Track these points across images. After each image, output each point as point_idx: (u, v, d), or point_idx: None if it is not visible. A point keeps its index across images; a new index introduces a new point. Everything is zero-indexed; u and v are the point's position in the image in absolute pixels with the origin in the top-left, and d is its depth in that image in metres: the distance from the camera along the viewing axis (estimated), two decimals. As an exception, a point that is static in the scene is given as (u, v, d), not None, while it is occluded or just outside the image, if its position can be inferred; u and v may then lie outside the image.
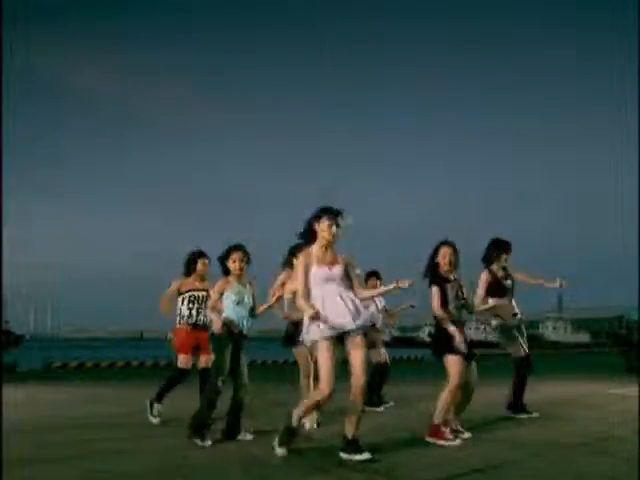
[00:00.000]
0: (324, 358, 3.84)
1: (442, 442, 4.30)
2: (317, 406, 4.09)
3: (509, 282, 5.80)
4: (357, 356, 3.88)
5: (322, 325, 3.84)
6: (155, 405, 5.35)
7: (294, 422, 3.93)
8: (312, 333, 3.89)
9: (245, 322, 4.65)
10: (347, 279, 4.06)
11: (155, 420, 5.27)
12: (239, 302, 4.64)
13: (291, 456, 3.87)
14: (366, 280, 6.73)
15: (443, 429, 4.38)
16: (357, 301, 4.00)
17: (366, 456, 3.74)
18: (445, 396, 4.46)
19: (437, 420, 4.41)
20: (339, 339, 3.91)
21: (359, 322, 3.90)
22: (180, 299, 5.63)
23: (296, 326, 5.50)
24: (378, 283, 6.71)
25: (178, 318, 5.61)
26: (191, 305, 5.59)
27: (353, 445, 3.82)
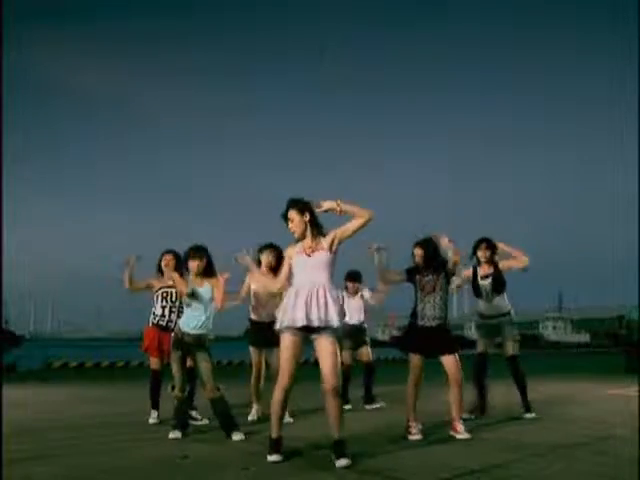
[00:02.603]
0: (282, 349, 3.81)
1: (410, 437, 4.53)
2: (280, 401, 3.84)
3: None
4: (325, 362, 3.73)
5: (286, 315, 3.77)
6: (152, 411, 5.37)
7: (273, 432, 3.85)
8: (278, 322, 3.84)
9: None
10: (332, 265, 3.86)
11: (153, 421, 5.30)
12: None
13: (290, 455, 3.87)
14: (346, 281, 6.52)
15: (409, 424, 4.61)
16: (329, 297, 3.74)
17: (343, 463, 3.55)
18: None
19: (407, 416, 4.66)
20: (307, 336, 3.79)
21: (314, 320, 3.68)
22: (154, 297, 5.52)
23: (256, 326, 5.59)
24: (357, 286, 6.45)
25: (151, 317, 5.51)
26: (164, 303, 5.46)
27: (336, 447, 3.68)
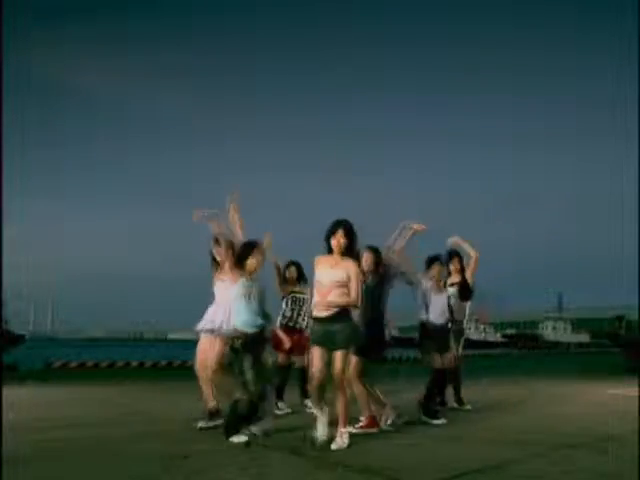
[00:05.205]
0: None
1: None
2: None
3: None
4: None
5: None
6: (277, 403, 5.76)
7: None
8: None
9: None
10: None
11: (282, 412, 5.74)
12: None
13: (291, 455, 3.87)
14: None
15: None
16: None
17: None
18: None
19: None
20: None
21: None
22: (285, 300, 6.11)
23: None
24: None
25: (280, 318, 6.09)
26: (293, 306, 6.10)
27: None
